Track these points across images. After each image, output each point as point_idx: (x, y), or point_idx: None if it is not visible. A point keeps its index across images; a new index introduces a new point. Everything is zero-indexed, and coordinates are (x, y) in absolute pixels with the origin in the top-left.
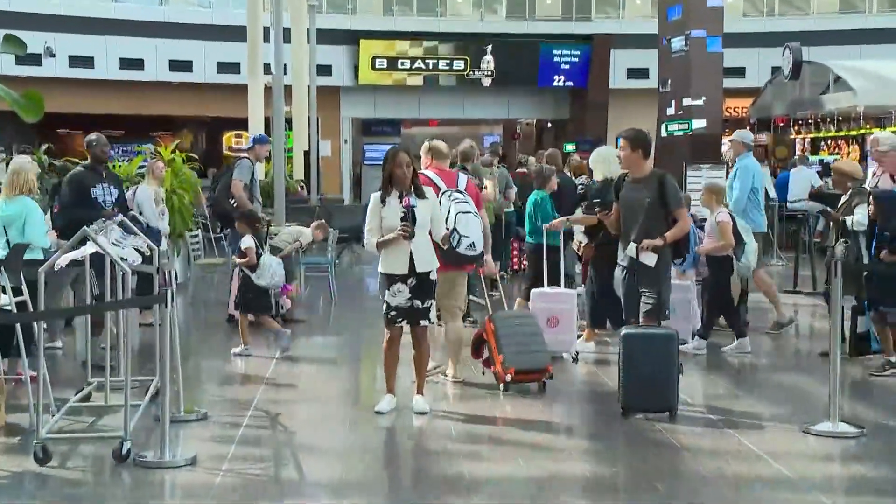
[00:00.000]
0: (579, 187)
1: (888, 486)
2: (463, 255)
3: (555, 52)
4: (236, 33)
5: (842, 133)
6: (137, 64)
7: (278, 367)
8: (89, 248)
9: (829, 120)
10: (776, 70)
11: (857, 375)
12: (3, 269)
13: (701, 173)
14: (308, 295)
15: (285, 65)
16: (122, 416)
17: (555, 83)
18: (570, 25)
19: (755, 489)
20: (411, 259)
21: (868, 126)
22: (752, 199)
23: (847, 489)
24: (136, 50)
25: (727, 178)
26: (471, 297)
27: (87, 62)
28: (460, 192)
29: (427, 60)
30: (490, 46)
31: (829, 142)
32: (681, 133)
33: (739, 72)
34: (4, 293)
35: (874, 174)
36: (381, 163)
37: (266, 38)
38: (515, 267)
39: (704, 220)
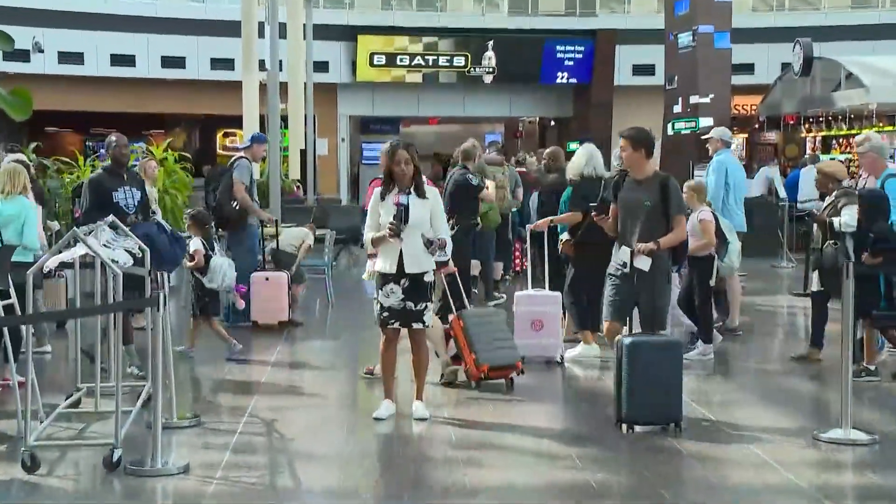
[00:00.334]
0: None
1: None
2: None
3: (558, 48)
4: (230, 28)
5: (854, 131)
6: (129, 60)
7: (274, 372)
8: (79, 250)
9: (840, 118)
10: (786, 66)
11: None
12: None
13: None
14: (304, 297)
15: (281, 61)
16: (112, 422)
17: (558, 80)
18: (574, 21)
19: (764, 498)
20: (400, 259)
21: (881, 124)
22: (729, 196)
23: (860, 497)
24: (127, 46)
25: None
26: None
27: (76, 58)
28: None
29: (427, 57)
30: (491, 42)
31: (840, 140)
32: (688, 131)
33: (748, 68)
34: None
35: (861, 175)
36: (379, 162)
37: (261, 34)
38: (517, 269)
39: None
